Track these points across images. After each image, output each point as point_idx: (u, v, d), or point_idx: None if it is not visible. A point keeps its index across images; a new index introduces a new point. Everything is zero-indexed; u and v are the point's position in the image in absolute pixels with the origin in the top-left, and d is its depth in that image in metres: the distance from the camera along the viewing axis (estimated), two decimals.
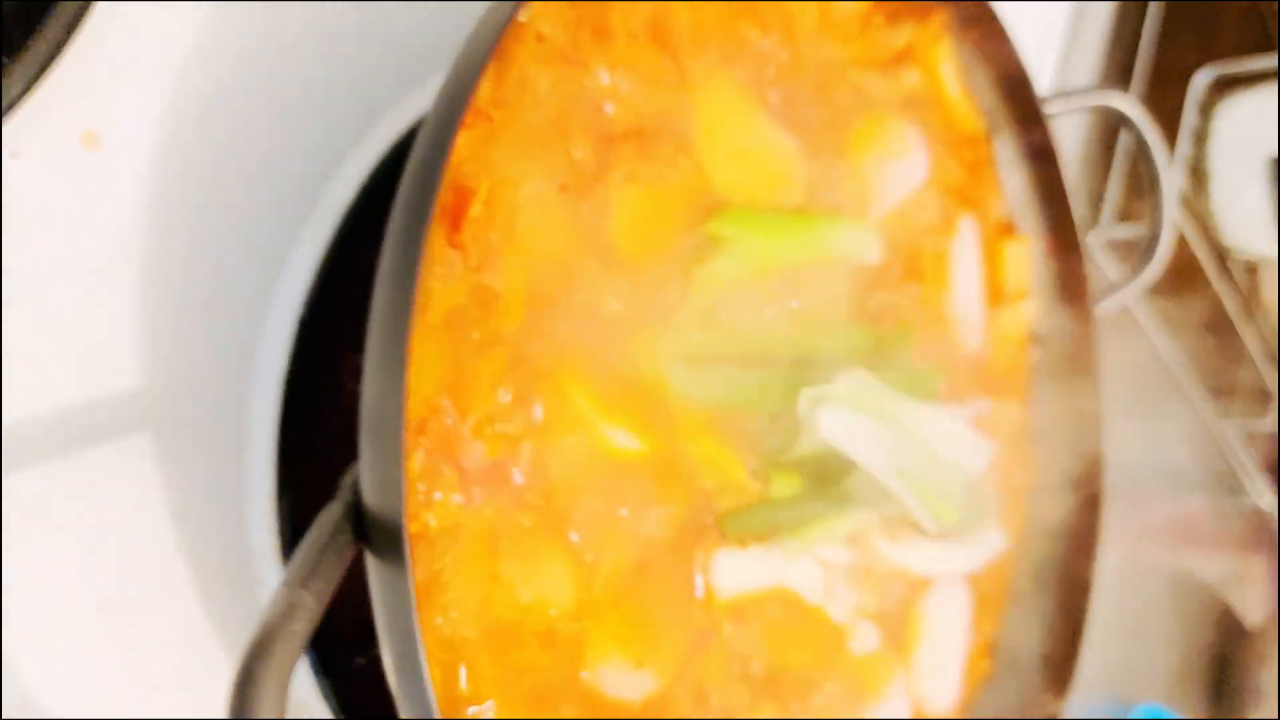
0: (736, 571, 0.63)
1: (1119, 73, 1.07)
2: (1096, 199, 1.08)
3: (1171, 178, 0.88)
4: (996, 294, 0.85)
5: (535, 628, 0.55)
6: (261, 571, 0.59)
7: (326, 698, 0.56)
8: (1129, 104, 0.86)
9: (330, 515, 0.46)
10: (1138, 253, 0.91)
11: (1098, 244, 1.07)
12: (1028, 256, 0.86)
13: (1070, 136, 1.11)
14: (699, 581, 0.62)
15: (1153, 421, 1.21)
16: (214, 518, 0.56)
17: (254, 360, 0.57)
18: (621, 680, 0.59)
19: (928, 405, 0.70)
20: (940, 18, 0.78)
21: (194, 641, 0.56)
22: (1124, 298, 0.92)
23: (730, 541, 0.63)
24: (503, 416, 0.54)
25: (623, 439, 0.58)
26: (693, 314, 0.61)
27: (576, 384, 0.57)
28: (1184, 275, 1.06)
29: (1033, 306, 0.87)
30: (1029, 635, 0.82)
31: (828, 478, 0.67)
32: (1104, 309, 0.91)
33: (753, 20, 0.66)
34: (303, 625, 0.41)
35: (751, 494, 0.64)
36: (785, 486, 0.66)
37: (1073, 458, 0.87)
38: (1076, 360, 0.89)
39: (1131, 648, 1.25)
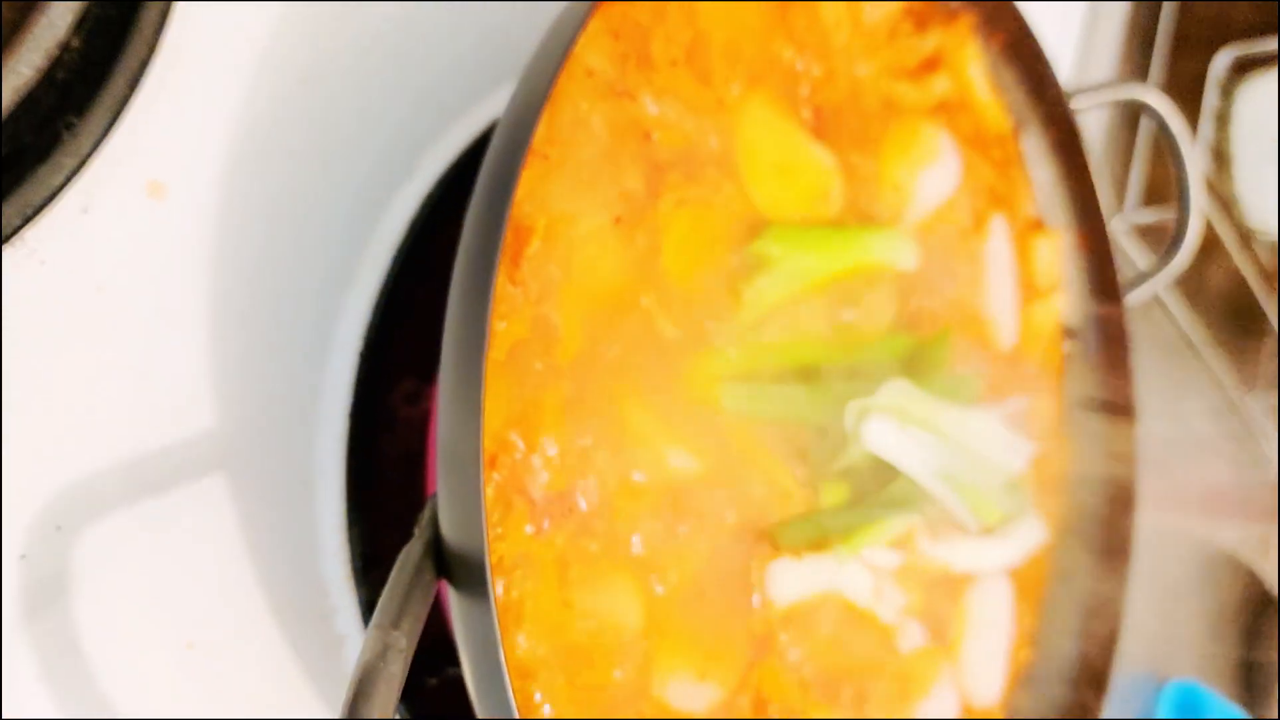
0: (791, 580, 0.64)
1: (1139, 57, 1.08)
2: (1121, 184, 1.09)
3: (1197, 168, 0.89)
4: (1029, 289, 0.86)
5: (606, 649, 0.56)
6: (336, 601, 0.60)
7: (401, 717, 0.58)
8: (1154, 96, 0.87)
9: (411, 554, 0.48)
10: (1164, 240, 0.92)
11: (1122, 229, 1.08)
12: (1058, 251, 0.87)
13: (1092, 119, 1.12)
14: (756, 593, 0.64)
15: (1178, 398, 1.22)
16: (289, 551, 0.58)
17: (319, 396, 0.59)
18: (686, 693, 0.61)
19: (968, 409, 0.72)
20: (966, 20, 0.79)
21: (277, 672, 0.58)
22: (1153, 287, 0.93)
23: (784, 552, 0.64)
24: (567, 447, 0.56)
25: (680, 459, 0.60)
26: (742, 332, 0.63)
27: (635, 409, 0.58)
28: (1208, 254, 1.07)
29: (1064, 299, 0.88)
30: (1068, 626, 0.84)
31: (874, 485, 0.69)
32: (1134, 298, 0.92)
33: (785, 37, 0.67)
34: (398, 666, 0.43)
35: (801, 504, 0.66)
36: (834, 495, 0.67)
37: (1106, 454, 0.89)
38: (1109, 351, 0.91)
39: (1162, 617, 1.27)
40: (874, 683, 0.69)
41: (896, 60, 0.75)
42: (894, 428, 0.66)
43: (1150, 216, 1.06)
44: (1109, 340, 0.91)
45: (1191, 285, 1.11)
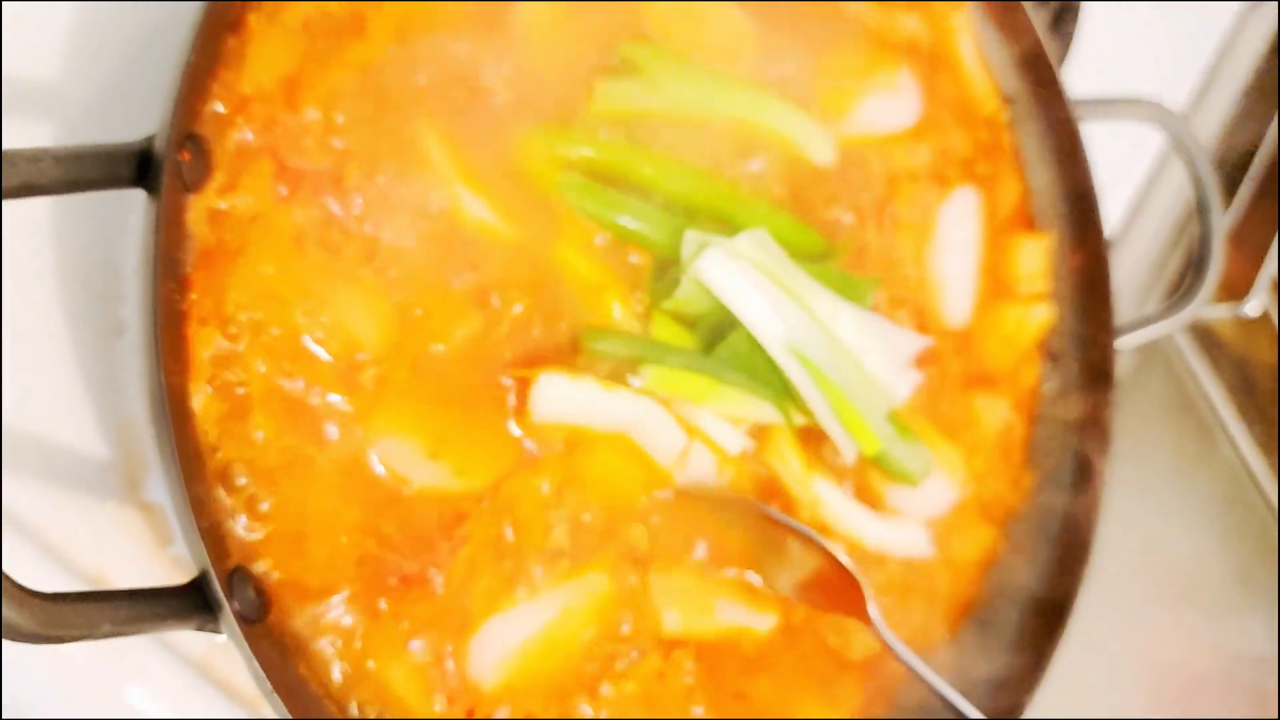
0: (557, 397, 0.58)
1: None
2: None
3: (1218, 200, 0.81)
4: (1001, 284, 0.79)
5: (330, 363, 0.52)
6: None
7: None
8: (1169, 116, 0.80)
9: None
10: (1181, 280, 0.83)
11: None
12: (1045, 255, 0.79)
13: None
14: (514, 398, 0.58)
15: (1185, 468, 1.04)
16: None
17: None
18: (409, 462, 0.55)
19: (854, 306, 0.64)
20: None
21: None
22: (1162, 330, 0.83)
23: (566, 366, 0.58)
24: (340, 133, 0.53)
25: (478, 209, 0.57)
26: (591, 126, 0.60)
27: (435, 137, 0.56)
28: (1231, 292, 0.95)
29: (1047, 314, 0.80)
30: None
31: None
32: (1133, 339, 0.82)
33: None
34: None
35: (621, 327, 0.60)
36: (666, 333, 0.61)
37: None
38: (1090, 390, 0.80)
39: None
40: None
41: None
42: (736, 266, 0.60)
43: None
44: (1092, 377, 0.80)
45: (1211, 339, 0.98)
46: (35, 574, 0.52)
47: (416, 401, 0.55)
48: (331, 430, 0.54)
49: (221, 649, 0.62)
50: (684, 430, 0.61)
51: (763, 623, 0.64)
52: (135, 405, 0.60)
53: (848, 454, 0.65)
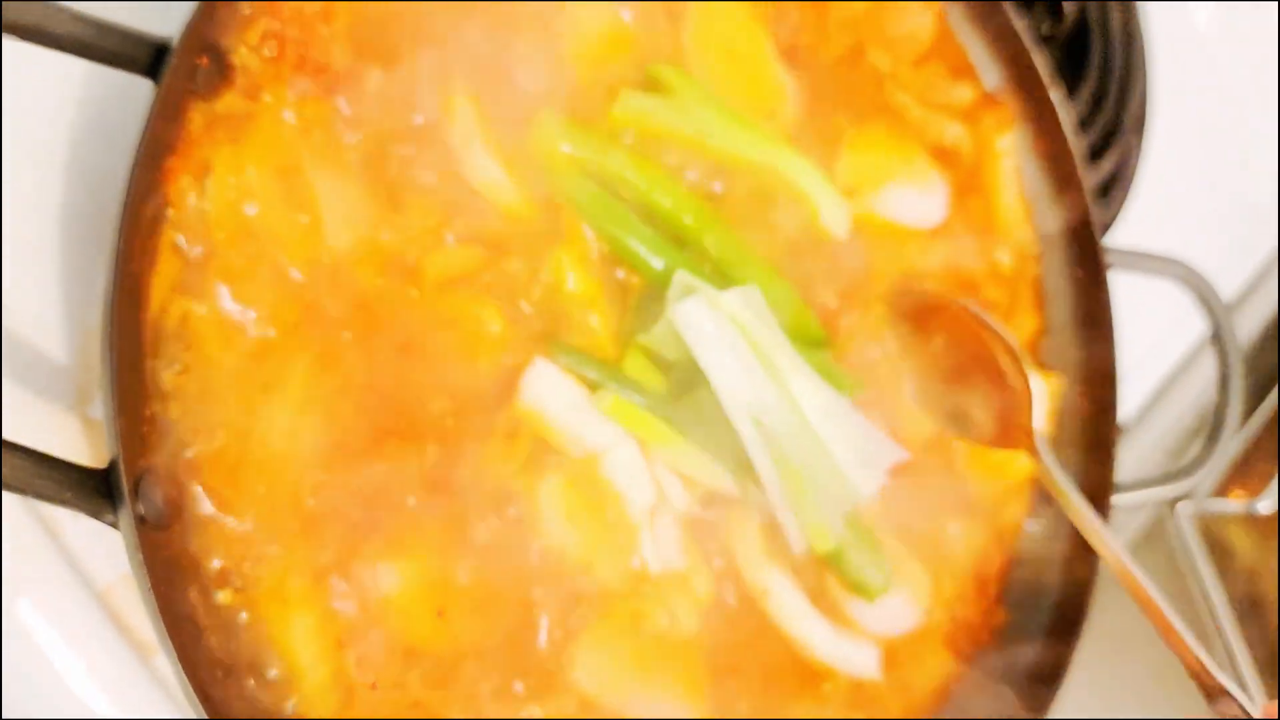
0: (546, 388, 0.57)
1: None
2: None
3: (1239, 374, 0.79)
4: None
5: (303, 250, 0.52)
6: None
7: None
8: (1198, 280, 0.79)
9: None
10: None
11: None
12: (1054, 397, 0.77)
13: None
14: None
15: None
16: None
17: None
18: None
19: (833, 393, 0.63)
20: (1006, 111, 0.77)
21: None
22: (1163, 494, 0.80)
23: (555, 357, 0.58)
24: (370, 57, 0.55)
25: (493, 173, 0.57)
26: (608, 134, 0.60)
27: (465, 92, 0.57)
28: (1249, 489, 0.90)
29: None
30: None
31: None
32: (1134, 500, 0.79)
33: None
34: None
35: (596, 347, 0.59)
36: (637, 367, 0.60)
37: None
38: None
39: None
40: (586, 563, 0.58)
41: (919, 81, 0.74)
42: (714, 320, 0.59)
43: None
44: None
45: (1220, 539, 0.93)
46: None
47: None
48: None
49: (124, 584, 0.60)
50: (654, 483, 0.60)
51: None
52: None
53: (795, 544, 0.62)
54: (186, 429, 0.50)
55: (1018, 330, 0.78)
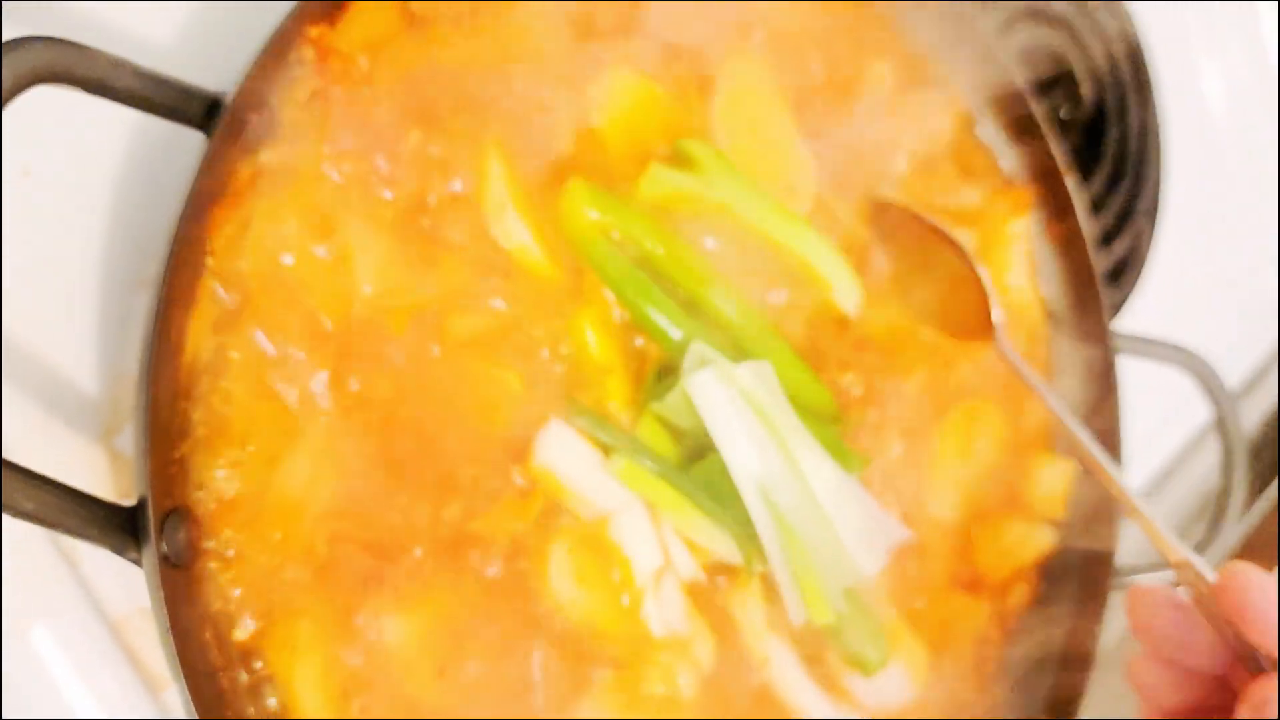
0: (560, 448, 0.58)
1: None
2: None
3: (1242, 452, 0.80)
4: (1016, 502, 0.78)
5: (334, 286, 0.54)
6: None
7: None
8: (1203, 367, 0.81)
9: None
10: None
11: None
12: (1066, 482, 0.78)
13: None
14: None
15: None
16: None
17: None
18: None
19: (838, 469, 0.64)
20: (1023, 195, 0.79)
21: None
22: (1159, 579, 0.81)
23: (571, 419, 0.59)
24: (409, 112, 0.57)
25: (522, 236, 0.59)
26: (635, 205, 0.62)
27: (497, 148, 0.59)
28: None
29: (1051, 539, 0.78)
30: None
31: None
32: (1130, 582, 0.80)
33: (821, 52, 0.70)
34: None
35: (612, 411, 0.61)
36: (651, 433, 0.61)
37: None
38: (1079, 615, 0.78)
39: None
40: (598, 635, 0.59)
41: (927, 188, 0.76)
42: (725, 393, 0.60)
43: None
44: (1082, 609, 0.79)
45: None
46: None
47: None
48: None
49: (140, 616, 0.61)
50: (661, 548, 0.61)
51: None
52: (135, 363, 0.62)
53: (795, 615, 0.63)
54: (212, 472, 0.52)
55: (1028, 412, 0.79)
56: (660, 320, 0.62)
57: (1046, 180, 0.78)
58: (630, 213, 0.62)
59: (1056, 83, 0.95)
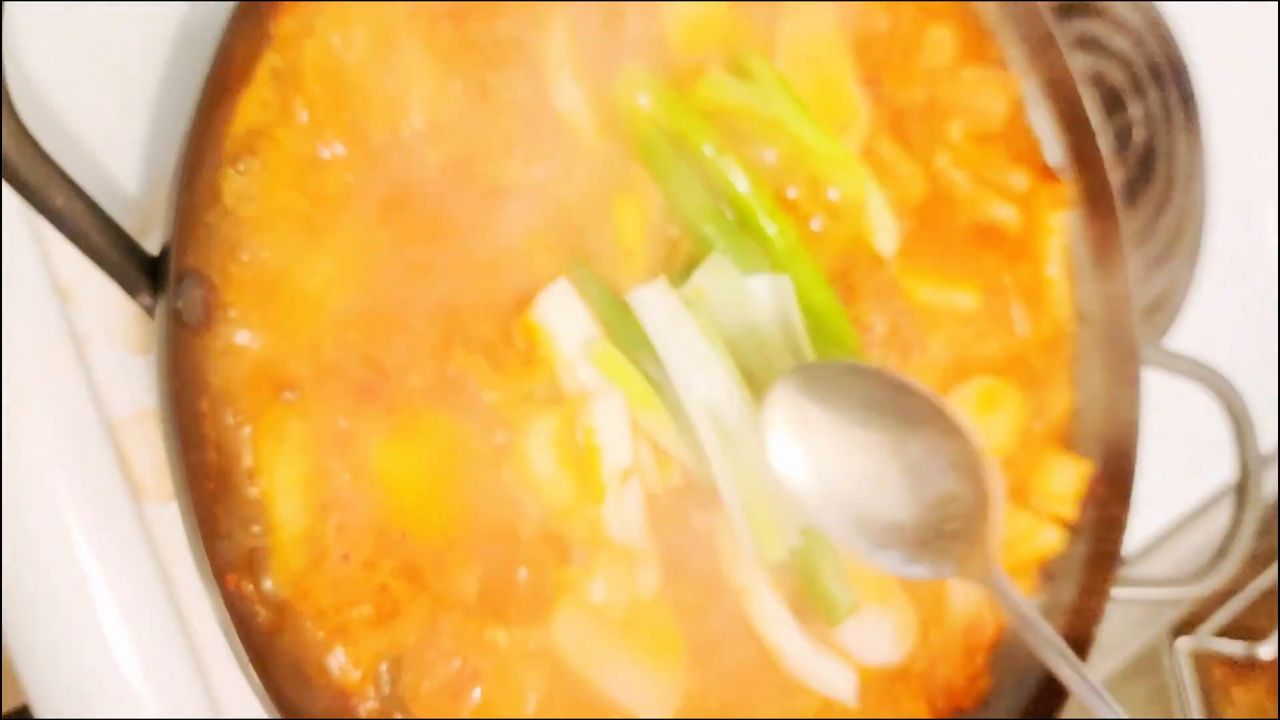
0: (561, 310, 0.58)
1: None
2: None
3: (1259, 491, 0.79)
4: (1024, 495, 0.77)
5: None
6: None
7: None
8: (1229, 389, 0.80)
9: None
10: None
11: None
12: (1080, 482, 0.77)
13: None
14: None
15: None
16: None
17: None
18: None
19: None
20: (1065, 189, 0.79)
21: None
22: (1161, 595, 0.79)
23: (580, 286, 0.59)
24: None
25: (576, 103, 0.60)
26: (687, 102, 0.63)
27: (564, 21, 0.59)
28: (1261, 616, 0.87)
29: (1057, 540, 0.77)
30: None
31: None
32: (1131, 595, 0.78)
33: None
34: None
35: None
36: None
37: None
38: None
39: None
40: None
41: (978, 158, 0.77)
42: (666, 306, 0.59)
43: None
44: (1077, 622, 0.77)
45: (1216, 684, 0.89)
46: None
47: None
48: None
49: (137, 421, 0.60)
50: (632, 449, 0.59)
51: None
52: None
53: (747, 550, 0.62)
54: (237, 244, 0.52)
55: (1051, 406, 0.78)
56: (697, 217, 0.62)
57: (1088, 175, 0.79)
58: (683, 108, 0.63)
59: (1109, 114, 0.96)
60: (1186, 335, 0.93)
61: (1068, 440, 0.79)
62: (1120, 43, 0.96)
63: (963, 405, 0.74)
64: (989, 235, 0.76)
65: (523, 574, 0.58)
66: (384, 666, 0.53)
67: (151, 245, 0.61)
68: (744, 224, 0.64)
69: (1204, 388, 0.80)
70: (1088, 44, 0.95)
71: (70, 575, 0.56)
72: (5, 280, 0.55)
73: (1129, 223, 0.91)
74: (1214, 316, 0.94)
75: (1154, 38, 0.98)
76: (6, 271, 0.55)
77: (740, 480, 0.60)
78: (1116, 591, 0.75)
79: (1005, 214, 0.77)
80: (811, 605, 0.65)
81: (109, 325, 0.59)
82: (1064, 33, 0.88)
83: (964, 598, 0.74)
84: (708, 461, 0.60)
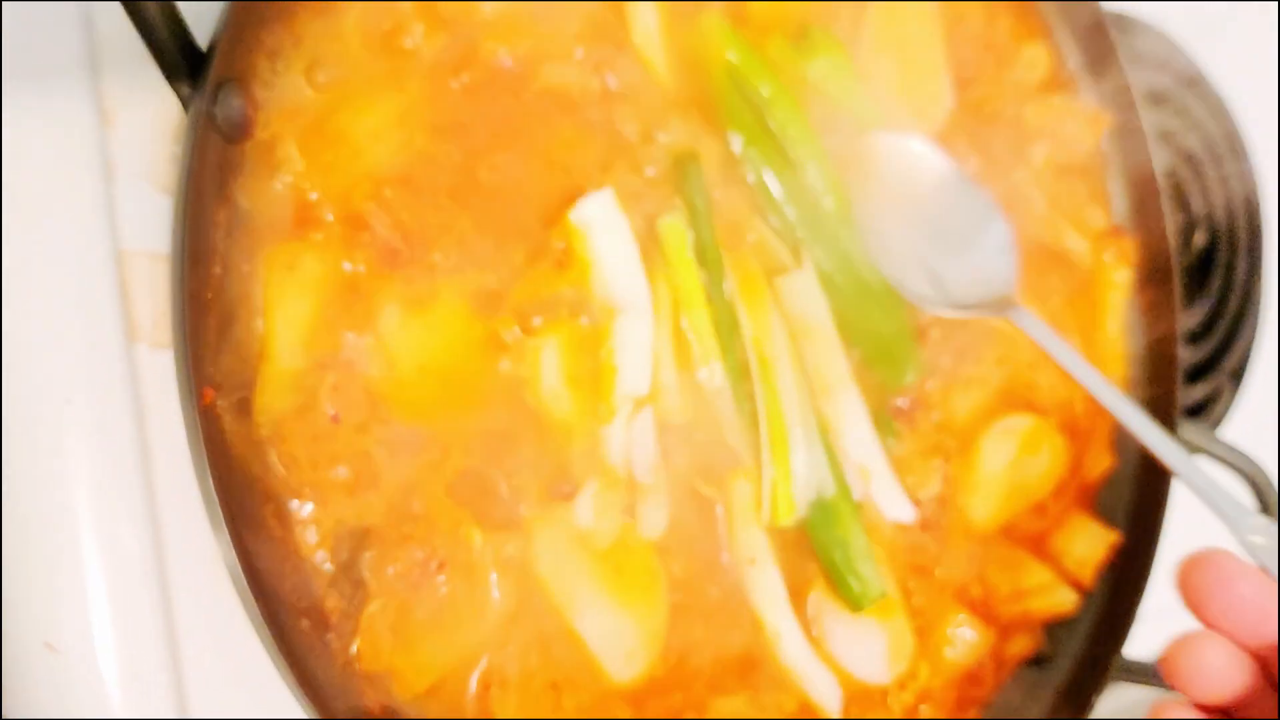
0: (603, 217, 0.56)
1: None
2: None
3: None
4: (1044, 550, 0.73)
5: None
6: None
7: None
8: (1263, 478, 0.76)
9: None
10: None
11: None
12: (1104, 551, 0.73)
13: None
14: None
15: None
16: None
17: None
18: None
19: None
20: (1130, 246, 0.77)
21: None
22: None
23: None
24: None
25: (649, 28, 0.59)
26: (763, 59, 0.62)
27: None
28: None
29: (1071, 601, 0.73)
30: None
31: None
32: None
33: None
34: None
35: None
36: None
37: None
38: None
39: None
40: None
41: (1057, 187, 0.75)
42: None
43: None
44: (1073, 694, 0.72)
45: None
46: None
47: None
48: None
49: (145, 260, 0.57)
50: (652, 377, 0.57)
51: None
52: None
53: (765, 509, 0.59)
54: (289, 68, 0.50)
55: (1089, 465, 0.74)
56: (763, 174, 0.61)
57: (1147, 236, 0.77)
58: (758, 62, 0.62)
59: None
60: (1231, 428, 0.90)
61: (1099, 506, 0.75)
62: (1193, 142, 0.95)
63: (1006, 437, 0.71)
64: (1057, 259, 0.73)
65: (508, 481, 0.54)
66: (346, 534, 0.49)
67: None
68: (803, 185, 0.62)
69: (1237, 477, 0.76)
70: (1163, 136, 0.94)
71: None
72: (52, 84, 0.54)
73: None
74: (1258, 416, 0.90)
75: (1228, 151, 0.97)
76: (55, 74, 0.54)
77: (774, 428, 0.57)
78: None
79: (1077, 245, 0.75)
80: (830, 588, 0.62)
81: (142, 158, 0.57)
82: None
83: (966, 650, 0.69)
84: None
